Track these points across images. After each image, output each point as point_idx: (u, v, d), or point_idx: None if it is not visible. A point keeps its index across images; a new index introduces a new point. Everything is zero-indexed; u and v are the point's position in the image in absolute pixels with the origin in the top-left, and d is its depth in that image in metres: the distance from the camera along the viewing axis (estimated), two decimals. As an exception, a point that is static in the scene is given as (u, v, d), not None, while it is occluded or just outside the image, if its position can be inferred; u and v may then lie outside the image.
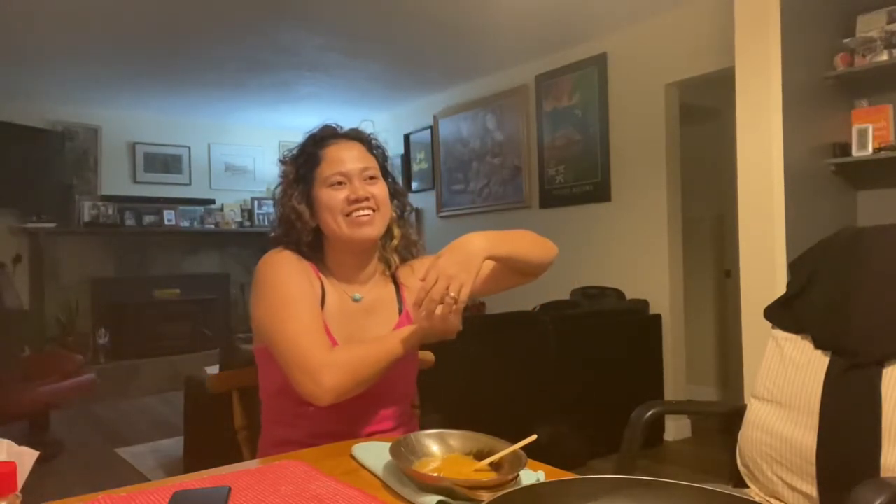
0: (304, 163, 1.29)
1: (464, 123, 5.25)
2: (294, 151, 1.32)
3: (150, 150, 5.92)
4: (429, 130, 5.59)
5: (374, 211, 1.24)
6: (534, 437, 0.86)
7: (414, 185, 5.76)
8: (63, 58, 4.30)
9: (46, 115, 5.32)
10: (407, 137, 5.82)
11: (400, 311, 1.32)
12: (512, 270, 1.31)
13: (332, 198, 1.23)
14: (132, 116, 5.76)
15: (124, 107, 5.59)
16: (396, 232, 1.34)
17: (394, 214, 1.33)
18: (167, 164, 6.03)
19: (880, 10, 2.64)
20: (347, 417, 1.20)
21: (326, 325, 1.20)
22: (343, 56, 4.39)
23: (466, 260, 1.12)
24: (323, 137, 1.31)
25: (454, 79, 5.05)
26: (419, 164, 5.75)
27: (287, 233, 1.28)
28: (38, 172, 5.12)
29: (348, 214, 1.22)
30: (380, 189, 1.26)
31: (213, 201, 6.16)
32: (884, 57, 2.52)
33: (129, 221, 5.65)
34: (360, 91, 5.28)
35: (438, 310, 1.09)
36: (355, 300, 1.29)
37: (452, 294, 1.08)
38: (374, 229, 1.25)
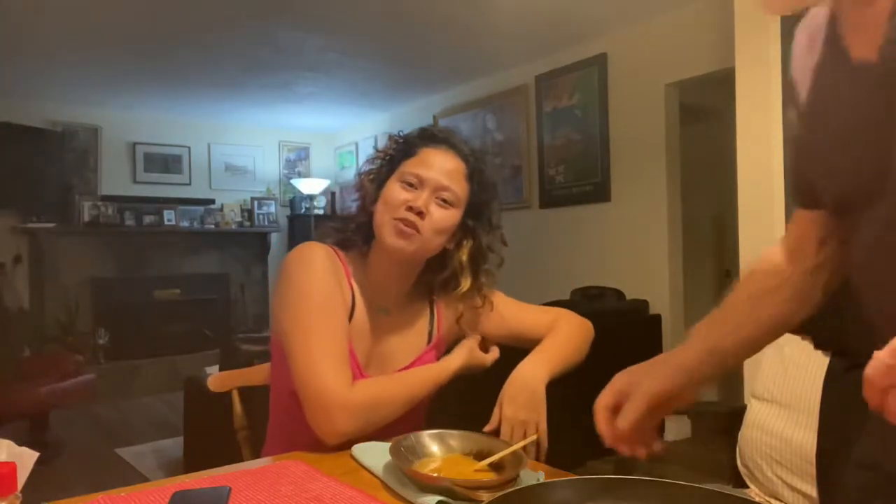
0: (401, 149, 1.22)
1: (464, 123, 5.25)
2: (406, 135, 1.26)
3: (150, 150, 5.92)
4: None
5: (416, 231, 1.14)
6: (534, 437, 0.86)
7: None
8: (63, 58, 4.30)
9: (46, 115, 5.31)
10: (407, 137, 5.82)
11: (429, 340, 1.27)
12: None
13: (394, 195, 1.15)
14: (132, 116, 5.76)
15: (124, 107, 5.59)
16: (465, 281, 1.23)
17: (463, 259, 1.22)
18: (167, 164, 6.02)
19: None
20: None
21: (349, 340, 1.15)
22: (343, 56, 4.38)
23: (532, 400, 1.10)
24: (432, 136, 1.23)
25: (454, 79, 5.05)
26: (419, 164, 5.74)
27: (356, 210, 1.24)
28: (38, 172, 5.12)
29: (397, 218, 1.14)
30: (443, 215, 1.16)
31: (213, 201, 6.16)
32: (884, 57, 2.52)
33: (129, 221, 5.65)
34: (360, 91, 5.28)
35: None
36: (383, 312, 1.23)
37: (531, 437, 1.05)
38: (409, 246, 1.15)
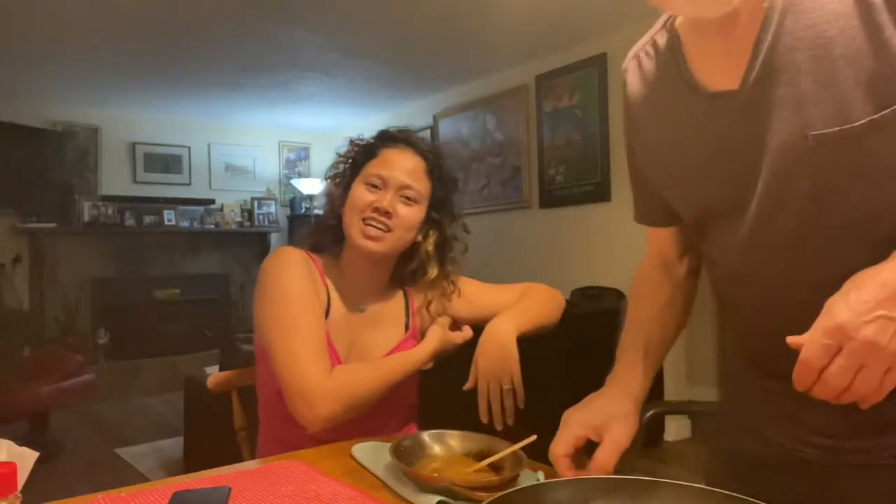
0: (363, 151, 1.27)
1: (464, 123, 5.25)
2: (365, 138, 1.31)
3: (150, 150, 5.92)
4: (429, 130, 5.59)
5: (386, 231, 1.20)
6: (534, 437, 0.86)
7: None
8: (63, 58, 4.30)
9: (46, 115, 5.31)
10: (407, 137, 5.82)
11: (407, 327, 1.31)
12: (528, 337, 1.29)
13: (360, 196, 1.21)
14: (132, 116, 5.76)
15: (124, 107, 5.59)
16: (432, 270, 1.29)
17: (429, 249, 1.29)
18: (167, 164, 6.02)
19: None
20: (347, 424, 1.20)
21: (328, 334, 1.19)
22: (343, 56, 4.38)
23: (502, 353, 1.16)
24: (392, 137, 1.28)
25: (454, 79, 5.05)
26: (419, 164, 5.74)
27: (324, 214, 1.30)
28: (38, 172, 5.12)
29: (364, 220, 1.19)
30: (408, 213, 1.22)
31: (213, 201, 6.15)
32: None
33: (129, 221, 5.65)
34: (360, 91, 5.28)
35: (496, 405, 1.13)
36: (360, 310, 1.27)
37: (507, 387, 1.11)
38: (380, 247, 1.20)
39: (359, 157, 1.27)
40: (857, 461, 0.72)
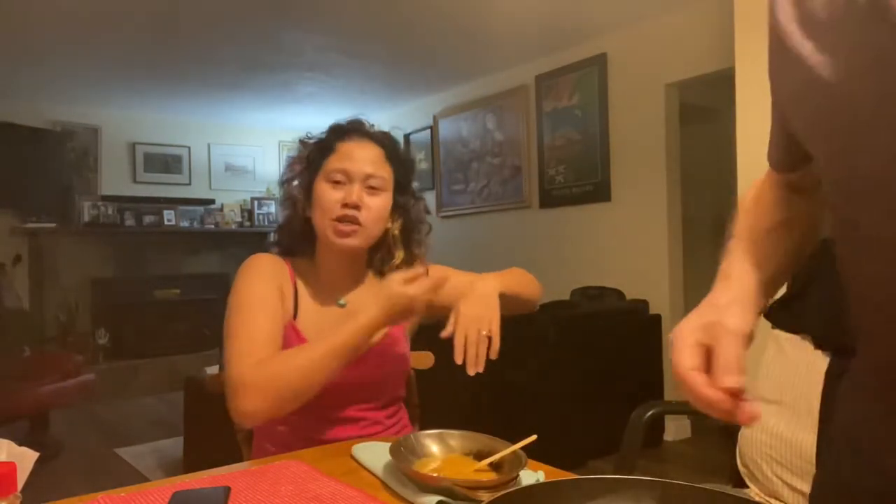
0: (318, 149, 1.26)
1: (464, 123, 5.25)
2: (314, 136, 1.30)
3: (150, 150, 5.92)
4: (429, 130, 5.59)
5: (358, 225, 1.19)
6: (534, 437, 0.86)
7: (414, 185, 5.76)
8: (63, 58, 4.30)
9: (46, 115, 5.31)
10: (407, 137, 5.82)
11: None
12: (508, 308, 1.24)
13: (326, 196, 1.20)
14: (132, 116, 5.76)
15: (124, 107, 5.59)
16: (398, 254, 1.29)
17: (395, 233, 1.28)
18: (167, 164, 6.02)
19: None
20: (335, 423, 1.20)
21: (301, 333, 1.19)
22: (343, 56, 4.38)
23: (484, 301, 1.15)
24: (345, 130, 1.27)
25: (454, 79, 5.05)
26: (419, 164, 5.74)
27: (285, 220, 1.28)
28: (38, 172, 5.12)
29: (336, 219, 1.19)
30: (377, 202, 1.22)
31: (212, 201, 6.15)
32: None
33: (129, 221, 5.65)
34: (360, 91, 5.28)
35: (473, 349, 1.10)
36: (340, 305, 1.27)
37: (485, 332, 1.10)
38: (355, 241, 1.21)
39: (315, 155, 1.25)
40: None
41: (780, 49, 0.64)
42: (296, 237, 1.28)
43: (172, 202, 5.89)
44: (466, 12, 3.64)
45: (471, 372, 1.08)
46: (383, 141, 1.27)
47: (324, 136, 1.28)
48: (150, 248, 5.80)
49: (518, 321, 3.83)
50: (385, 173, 1.24)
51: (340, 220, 1.19)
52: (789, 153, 0.73)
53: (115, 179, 5.72)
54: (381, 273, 1.31)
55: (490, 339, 1.10)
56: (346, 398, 1.20)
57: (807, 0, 0.59)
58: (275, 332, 1.14)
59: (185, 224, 5.92)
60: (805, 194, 0.77)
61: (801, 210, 0.77)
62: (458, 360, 1.09)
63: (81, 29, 3.77)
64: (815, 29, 0.59)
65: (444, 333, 1.12)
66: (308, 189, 1.24)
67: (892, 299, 0.60)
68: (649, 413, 1.46)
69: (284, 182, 1.30)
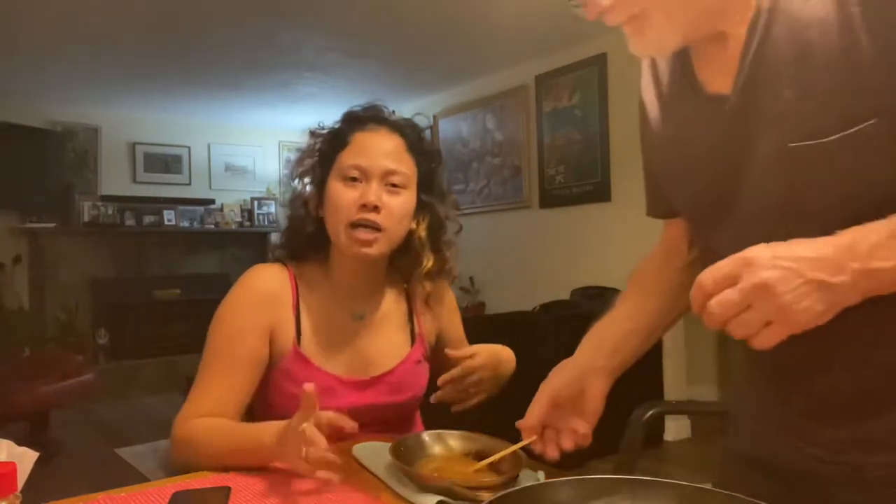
0: (330, 141, 1.12)
1: (464, 123, 5.25)
2: (326, 126, 1.16)
3: (150, 150, 5.92)
4: (428, 130, 5.58)
5: (378, 231, 1.05)
6: (534, 437, 0.86)
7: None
8: (63, 58, 4.30)
9: (46, 115, 5.31)
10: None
11: (413, 340, 1.19)
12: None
13: (341, 196, 1.05)
14: (132, 116, 5.76)
15: (124, 107, 5.59)
16: (427, 258, 1.15)
17: (421, 235, 1.14)
18: (167, 164, 6.02)
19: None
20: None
21: (308, 358, 1.09)
22: (343, 56, 4.38)
23: (503, 367, 1.19)
24: (360, 119, 1.12)
25: (454, 79, 5.05)
26: (419, 164, 5.75)
27: (293, 221, 1.14)
28: (38, 172, 5.12)
29: (353, 224, 1.05)
30: (399, 202, 1.07)
31: (212, 201, 6.15)
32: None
33: (129, 221, 5.65)
34: (360, 91, 5.27)
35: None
36: (357, 318, 1.15)
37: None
38: (375, 250, 1.06)
39: (326, 148, 1.12)
40: (843, 473, 0.70)
41: (643, 119, 0.85)
42: (306, 240, 1.13)
43: (172, 202, 5.89)
44: (466, 12, 3.64)
45: (434, 399, 1.09)
46: (404, 130, 1.12)
47: (337, 126, 1.13)
48: (150, 248, 5.80)
49: (518, 321, 3.82)
50: (407, 168, 1.09)
51: (358, 224, 1.04)
52: (658, 201, 0.90)
53: (115, 179, 5.72)
54: (408, 280, 1.20)
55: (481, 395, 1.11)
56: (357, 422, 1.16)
57: (661, 82, 0.80)
58: (231, 394, 1.05)
59: (185, 224, 5.92)
60: (683, 254, 0.93)
61: (669, 275, 0.93)
62: (442, 383, 1.08)
63: (82, 29, 3.77)
64: (662, 104, 0.81)
65: (455, 354, 1.11)
66: (320, 186, 1.11)
67: None
68: (649, 413, 1.46)
69: (293, 178, 1.15)
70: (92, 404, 4.60)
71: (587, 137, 4.23)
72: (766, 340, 0.58)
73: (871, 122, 0.59)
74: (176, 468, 0.99)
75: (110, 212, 5.54)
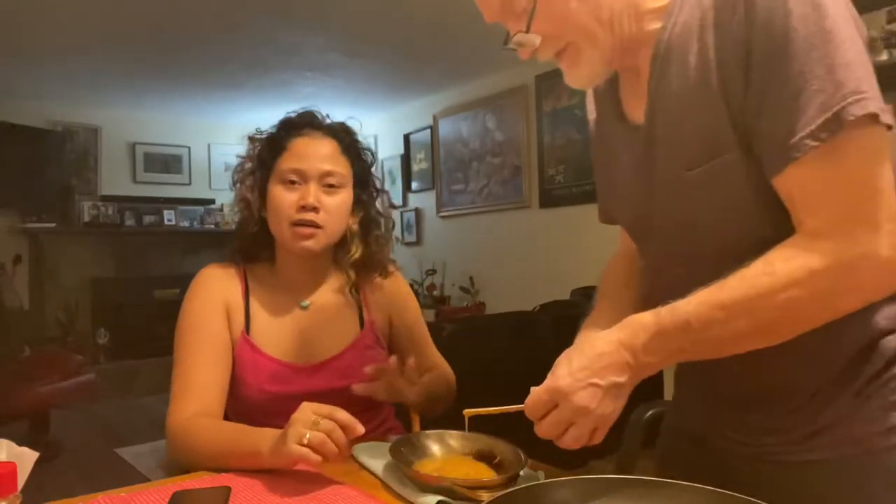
0: (269, 147, 1.19)
1: (464, 123, 5.25)
2: (266, 131, 1.23)
3: (150, 150, 5.92)
4: (429, 130, 5.59)
5: (317, 227, 1.13)
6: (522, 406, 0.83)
7: (414, 185, 5.76)
8: (63, 58, 4.30)
9: (46, 115, 5.31)
10: (407, 137, 5.82)
11: (362, 325, 1.25)
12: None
13: (281, 199, 1.14)
14: (132, 116, 5.76)
15: (124, 107, 5.59)
16: (355, 248, 1.23)
17: (354, 227, 1.22)
18: (167, 164, 6.02)
19: (880, 9, 2.64)
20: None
21: (256, 345, 1.15)
22: (343, 56, 4.38)
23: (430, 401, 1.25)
24: (296, 125, 1.20)
25: (454, 79, 5.05)
26: (419, 164, 5.74)
27: (239, 223, 1.23)
28: (38, 172, 5.12)
29: (294, 223, 1.13)
30: (336, 201, 1.15)
31: (213, 201, 6.15)
32: (884, 57, 2.53)
33: (129, 221, 5.65)
34: (360, 91, 5.28)
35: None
36: (303, 307, 1.22)
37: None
38: (315, 245, 1.15)
39: (265, 154, 1.19)
40: (749, 453, 0.80)
41: (591, 137, 0.97)
42: (253, 241, 1.21)
43: (172, 202, 5.89)
44: (467, 12, 3.63)
45: (357, 389, 1.12)
46: (339, 133, 1.20)
47: (273, 132, 1.21)
48: (150, 248, 5.80)
49: (518, 321, 3.81)
50: (343, 168, 1.17)
51: (298, 223, 1.13)
52: (605, 210, 1.01)
53: (115, 179, 5.72)
54: (341, 269, 1.26)
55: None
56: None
57: (598, 109, 0.92)
58: (212, 374, 1.11)
59: (185, 224, 5.92)
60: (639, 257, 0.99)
61: (636, 273, 0.99)
62: (369, 370, 1.12)
63: (82, 29, 3.77)
64: (598, 128, 0.92)
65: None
66: (262, 190, 1.18)
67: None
68: (649, 413, 1.46)
69: (235, 183, 1.23)
70: (92, 404, 4.59)
71: (587, 137, 4.21)
72: (596, 438, 0.74)
73: (725, 155, 0.69)
74: (172, 465, 1.02)
75: (110, 212, 5.54)
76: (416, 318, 1.34)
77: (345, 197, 1.18)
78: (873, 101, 0.63)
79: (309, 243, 1.14)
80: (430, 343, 1.35)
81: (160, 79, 4.85)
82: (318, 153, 1.16)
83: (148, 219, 5.73)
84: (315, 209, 1.12)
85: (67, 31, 3.80)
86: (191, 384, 1.09)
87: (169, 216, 5.82)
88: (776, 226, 0.69)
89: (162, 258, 5.86)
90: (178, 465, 1.01)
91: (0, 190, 4.88)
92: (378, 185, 1.27)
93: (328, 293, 1.25)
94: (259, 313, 1.19)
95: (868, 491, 0.72)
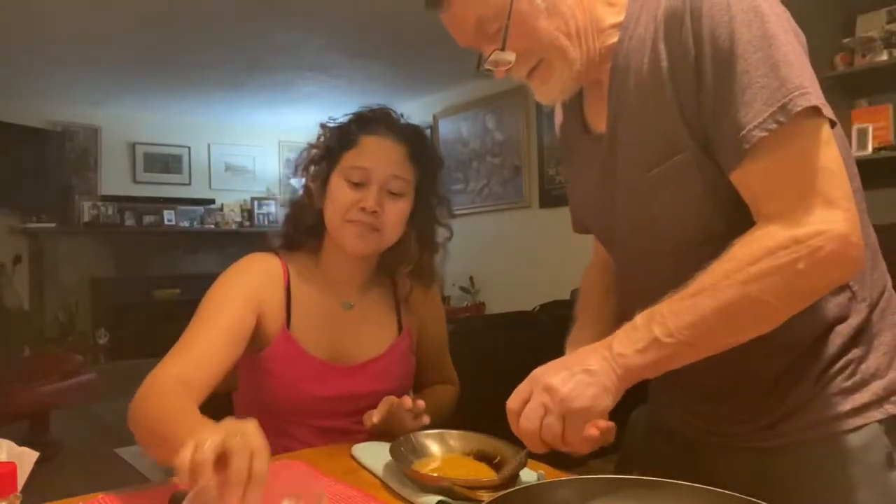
0: (339, 138, 1.16)
1: (464, 123, 5.25)
2: (339, 121, 1.19)
3: (150, 150, 5.92)
4: (429, 130, 5.59)
5: (374, 230, 1.10)
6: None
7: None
8: (63, 58, 4.30)
9: (46, 115, 5.31)
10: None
11: (400, 329, 1.23)
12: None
13: (342, 194, 1.10)
14: (132, 116, 5.76)
15: (124, 107, 5.59)
16: (409, 256, 1.19)
17: (412, 236, 1.18)
18: (167, 164, 6.03)
19: (880, 9, 2.64)
20: (326, 434, 1.15)
21: (296, 342, 1.12)
22: (343, 56, 4.38)
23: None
24: (370, 121, 1.16)
25: (454, 79, 5.05)
26: (419, 164, 5.75)
27: (295, 209, 1.20)
28: (38, 172, 5.12)
29: (350, 221, 1.10)
30: (397, 208, 1.11)
31: (212, 201, 6.16)
32: (884, 57, 2.52)
33: (129, 221, 5.65)
34: (360, 91, 5.27)
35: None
36: (347, 307, 1.19)
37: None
38: (367, 248, 1.12)
39: (334, 144, 1.16)
40: (719, 442, 0.84)
41: (560, 150, 1.01)
42: (304, 230, 1.19)
43: (172, 202, 5.90)
44: (466, 12, 3.63)
45: (368, 423, 1.07)
46: (411, 138, 1.16)
47: (346, 123, 1.18)
48: (150, 248, 5.80)
49: (518, 321, 3.81)
50: (408, 175, 1.13)
51: (356, 223, 1.09)
52: (576, 219, 1.01)
53: (115, 179, 5.72)
54: (385, 271, 1.23)
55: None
56: (340, 410, 1.14)
57: (565, 122, 0.95)
58: (213, 350, 1.05)
59: (185, 224, 5.92)
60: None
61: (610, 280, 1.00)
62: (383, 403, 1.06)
63: (82, 29, 3.78)
64: (564, 140, 0.97)
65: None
66: (324, 181, 1.15)
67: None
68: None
69: (300, 168, 1.19)
70: (92, 404, 4.59)
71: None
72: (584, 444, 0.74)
73: (679, 155, 0.73)
74: (131, 416, 0.93)
75: (110, 212, 5.54)
76: (443, 332, 1.33)
77: (406, 204, 1.13)
78: (816, 96, 0.67)
79: (364, 245, 1.11)
80: (448, 357, 1.35)
81: (160, 79, 4.85)
82: (386, 156, 1.12)
83: (148, 219, 5.73)
84: (375, 213, 1.09)
85: (68, 31, 3.80)
86: (187, 349, 1.05)
87: (169, 216, 5.82)
88: (728, 221, 0.73)
89: (162, 258, 5.87)
90: (132, 425, 0.92)
91: (0, 190, 4.88)
92: (442, 192, 1.23)
93: (371, 295, 1.22)
94: (300, 310, 1.15)
95: (831, 471, 0.76)
